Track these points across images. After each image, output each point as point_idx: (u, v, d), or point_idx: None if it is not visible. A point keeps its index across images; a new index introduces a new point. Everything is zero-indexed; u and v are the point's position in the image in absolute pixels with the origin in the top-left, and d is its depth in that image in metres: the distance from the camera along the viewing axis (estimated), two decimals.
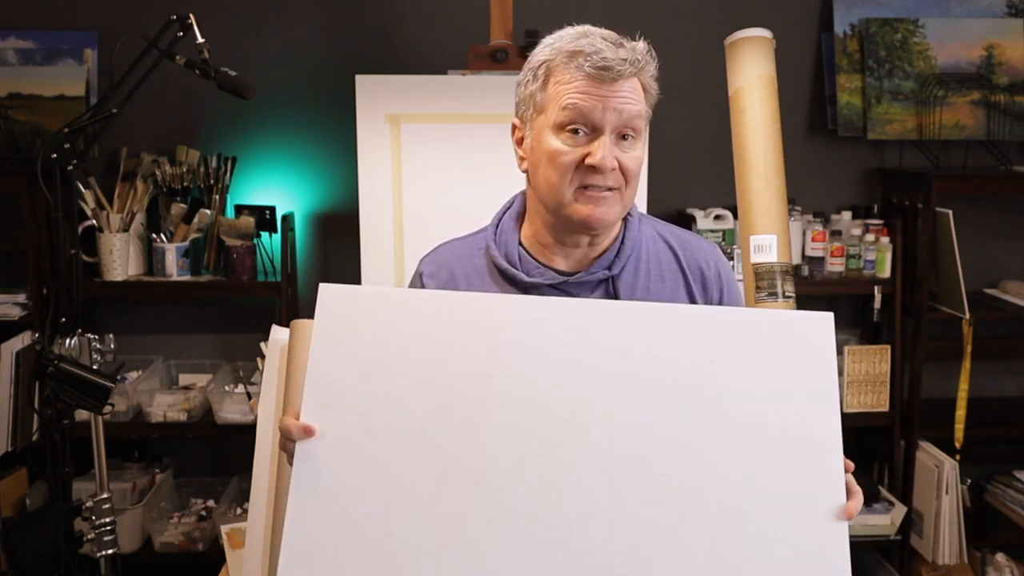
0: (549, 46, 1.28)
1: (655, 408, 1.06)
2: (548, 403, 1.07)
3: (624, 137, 1.25)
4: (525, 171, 1.33)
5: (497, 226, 1.39)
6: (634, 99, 1.24)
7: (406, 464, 1.07)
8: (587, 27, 1.28)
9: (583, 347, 1.10)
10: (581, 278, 1.32)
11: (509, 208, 1.41)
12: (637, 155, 1.26)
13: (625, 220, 1.37)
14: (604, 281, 1.33)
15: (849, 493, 1.10)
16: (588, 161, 1.22)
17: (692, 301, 1.36)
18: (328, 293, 1.13)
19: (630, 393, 1.07)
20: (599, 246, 1.33)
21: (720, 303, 1.38)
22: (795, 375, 1.06)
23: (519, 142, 1.33)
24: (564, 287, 1.32)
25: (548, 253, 1.34)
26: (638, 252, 1.35)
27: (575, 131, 1.23)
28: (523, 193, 1.39)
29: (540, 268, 1.33)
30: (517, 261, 1.34)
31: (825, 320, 1.09)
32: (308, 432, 1.10)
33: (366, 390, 1.09)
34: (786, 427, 1.05)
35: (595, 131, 1.23)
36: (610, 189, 1.24)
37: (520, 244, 1.36)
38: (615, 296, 1.32)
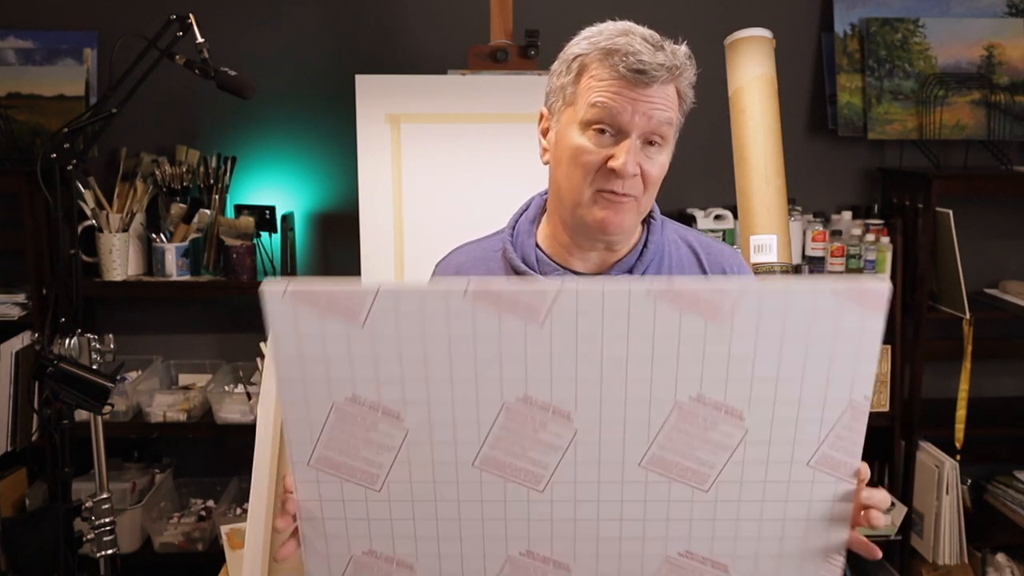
0: (587, 39, 1.23)
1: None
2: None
3: (651, 143, 1.21)
4: (547, 163, 1.29)
5: (514, 228, 1.36)
6: (666, 105, 1.20)
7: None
8: (629, 24, 1.23)
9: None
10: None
11: (526, 210, 1.37)
12: (661, 162, 1.23)
13: (648, 222, 1.34)
14: None
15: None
16: (610, 164, 1.19)
17: None
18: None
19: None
20: (618, 249, 1.30)
21: None
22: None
23: (544, 132, 1.30)
24: None
25: (565, 254, 1.30)
26: (660, 255, 1.32)
27: (601, 131, 1.19)
28: (540, 195, 1.36)
29: (558, 269, 1.29)
30: (534, 262, 1.30)
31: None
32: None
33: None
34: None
35: (621, 134, 1.19)
36: (628, 195, 1.21)
37: (537, 246, 1.32)
38: None
